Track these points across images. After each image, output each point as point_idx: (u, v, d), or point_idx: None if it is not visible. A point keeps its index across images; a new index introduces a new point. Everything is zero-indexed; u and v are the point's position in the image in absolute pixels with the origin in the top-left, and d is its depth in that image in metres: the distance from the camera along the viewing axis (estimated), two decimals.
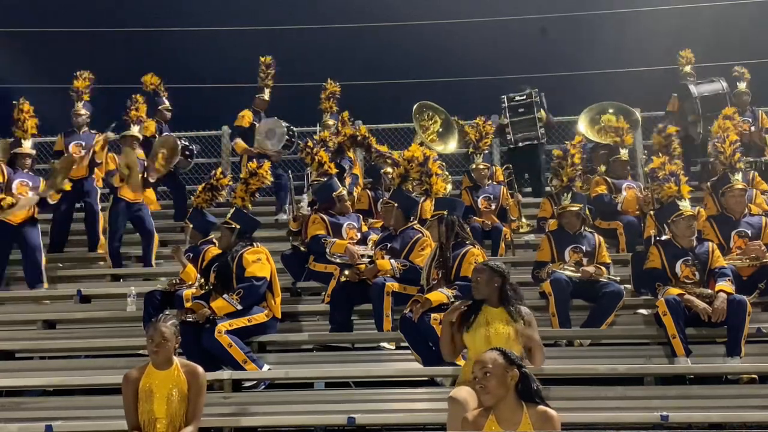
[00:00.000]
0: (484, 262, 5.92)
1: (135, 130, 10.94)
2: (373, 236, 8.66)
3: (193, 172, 13.54)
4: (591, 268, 7.75)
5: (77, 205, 11.18)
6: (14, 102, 10.44)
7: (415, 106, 11.19)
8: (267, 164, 8.78)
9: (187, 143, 12.42)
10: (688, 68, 12.46)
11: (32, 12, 16.95)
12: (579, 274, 7.70)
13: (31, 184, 9.87)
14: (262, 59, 12.69)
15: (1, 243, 9.75)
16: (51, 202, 9.82)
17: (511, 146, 11.89)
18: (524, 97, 11.87)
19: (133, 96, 11.41)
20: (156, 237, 10.59)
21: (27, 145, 10.19)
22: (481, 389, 4.51)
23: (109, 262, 10.40)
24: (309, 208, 9.47)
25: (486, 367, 4.51)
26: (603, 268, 7.83)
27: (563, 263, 7.86)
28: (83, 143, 11.06)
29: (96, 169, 10.99)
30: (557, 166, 8.95)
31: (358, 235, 8.77)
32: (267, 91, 12.57)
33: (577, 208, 8.20)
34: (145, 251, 10.47)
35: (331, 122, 12.18)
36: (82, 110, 11.36)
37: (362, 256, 8.37)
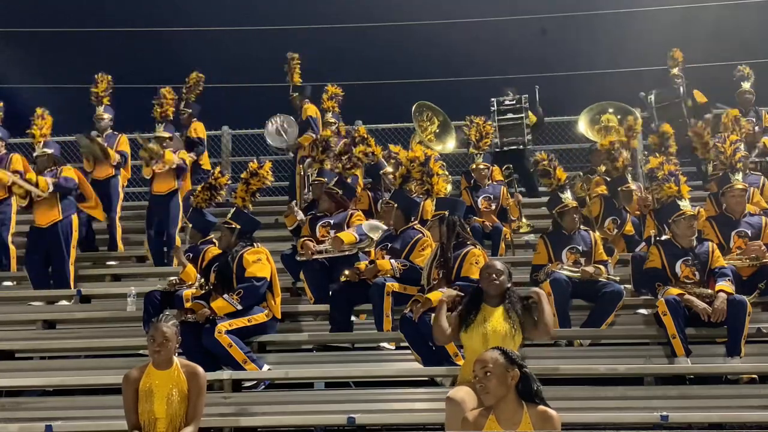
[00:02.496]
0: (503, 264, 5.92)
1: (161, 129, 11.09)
2: (349, 233, 8.63)
3: (192, 172, 13.52)
4: (590, 269, 7.74)
5: None
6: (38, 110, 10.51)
7: (414, 106, 11.19)
8: (268, 164, 8.79)
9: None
10: (675, 70, 12.43)
11: (32, 12, 16.95)
12: (578, 274, 7.70)
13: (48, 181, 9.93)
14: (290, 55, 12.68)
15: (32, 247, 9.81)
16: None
17: (497, 150, 11.84)
18: (513, 101, 11.86)
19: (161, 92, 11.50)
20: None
21: (40, 147, 10.27)
22: (482, 389, 4.51)
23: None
24: (303, 214, 9.53)
25: (487, 366, 4.51)
26: (602, 268, 7.82)
27: (561, 264, 7.83)
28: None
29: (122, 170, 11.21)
30: (545, 168, 8.86)
31: (331, 232, 8.76)
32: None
33: (576, 204, 8.24)
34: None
35: (332, 121, 12.20)
36: (105, 114, 11.46)
37: (320, 252, 8.41)
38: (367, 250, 8.45)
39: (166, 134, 10.99)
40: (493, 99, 11.92)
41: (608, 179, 9.81)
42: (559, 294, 7.54)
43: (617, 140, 10.36)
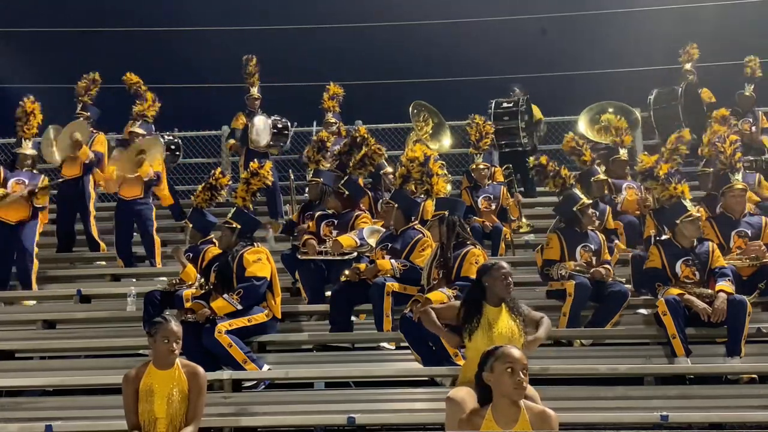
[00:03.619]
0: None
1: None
2: (349, 237, 8.62)
3: (193, 171, 13.55)
4: (603, 270, 7.72)
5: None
6: (21, 102, 10.47)
7: (411, 105, 11.21)
8: (268, 164, 8.80)
9: (172, 137, 12.45)
10: (688, 66, 12.42)
11: (32, 12, 16.95)
12: (589, 275, 7.67)
13: (27, 182, 9.88)
14: (244, 58, 12.66)
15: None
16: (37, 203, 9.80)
17: (504, 150, 11.85)
18: (511, 104, 11.85)
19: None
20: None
21: (27, 145, 10.24)
22: (520, 383, 4.48)
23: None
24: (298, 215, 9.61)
25: (525, 364, 4.53)
26: (610, 268, 7.82)
27: (574, 262, 7.81)
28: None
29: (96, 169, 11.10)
30: (554, 169, 8.89)
31: (334, 232, 8.79)
32: (254, 88, 12.54)
33: (591, 202, 8.30)
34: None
35: (333, 121, 12.19)
36: (81, 112, 11.42)
37: (320, 253, 8.44)
38: (367, 254, 8.45)
39: (140, 130, 11.00)
40: (491, 101, 11.93)
41: (607, 179, 9.84)
42: (581, 298, 7.55)
43: (611, 140, 10.43)
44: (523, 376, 4.48)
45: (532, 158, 9.15)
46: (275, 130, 11.87)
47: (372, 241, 8.45)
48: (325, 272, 8.54)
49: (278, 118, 12.01)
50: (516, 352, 4.57)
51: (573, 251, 7.92)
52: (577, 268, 7.72)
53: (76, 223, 11.24)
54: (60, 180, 10.84)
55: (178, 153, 12.54)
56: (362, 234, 8.54)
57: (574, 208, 8.15)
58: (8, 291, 9.88)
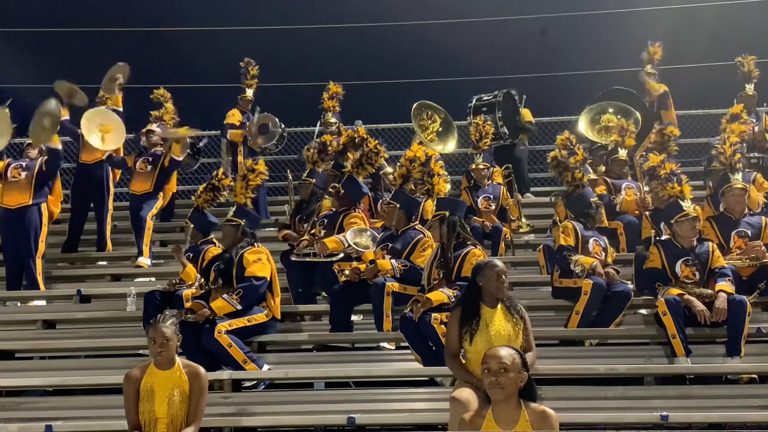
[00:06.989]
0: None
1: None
2: (336, 238, 8.57)
3: (192, 171, 13.52)
4: (612, 272, 7.67)
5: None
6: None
7: (413, 106, 11.18)
8: (261, 161, 8.81)
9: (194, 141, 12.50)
10: (648, 67, 12.35)
11: (32, 12, 16.96)
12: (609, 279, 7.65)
13: (24, 165, 9.96)
14: (242, 63, 12.70)
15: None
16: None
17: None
18: (491, 97, 11.85)
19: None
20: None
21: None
22: (494, 383, 4.44)
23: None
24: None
25: (503, 363, 4.46)
26: (618, 270, 7.80)
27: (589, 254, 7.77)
28: None
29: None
30: (564, 163, 8.91)
31: (322, 232, 8.82)
32: (250, 90, 12.59)
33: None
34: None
35: (333, 120, 12.19)
36: None
37: (306, 254, 8.43)
38: (354, 256, 8.42)
39: (158, 130, 11.06)
40: (473, 97, 11.92)
41: (607, 180, 9.83)
42: (595, 298, 7.47)
43: (613, 140, 10.39)
44: (497, 375, 4.43)
45: (552, 152, 9.16)
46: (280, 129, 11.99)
47: (355, 244, 8.38)
48: (311, 273, 8.54)
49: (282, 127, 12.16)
50: (496, 350, 4.54)
51: (586, 243, 7.88)
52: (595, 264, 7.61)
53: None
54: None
55: (197, 157, 12.57)
56: (347, 236, 8.45)
57: (591, 200, 8.23)
58: (7, 291, 9.87)
